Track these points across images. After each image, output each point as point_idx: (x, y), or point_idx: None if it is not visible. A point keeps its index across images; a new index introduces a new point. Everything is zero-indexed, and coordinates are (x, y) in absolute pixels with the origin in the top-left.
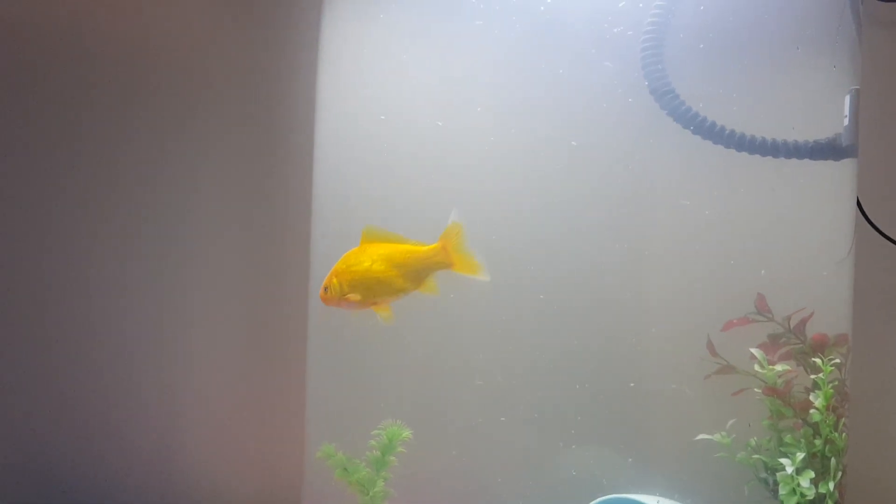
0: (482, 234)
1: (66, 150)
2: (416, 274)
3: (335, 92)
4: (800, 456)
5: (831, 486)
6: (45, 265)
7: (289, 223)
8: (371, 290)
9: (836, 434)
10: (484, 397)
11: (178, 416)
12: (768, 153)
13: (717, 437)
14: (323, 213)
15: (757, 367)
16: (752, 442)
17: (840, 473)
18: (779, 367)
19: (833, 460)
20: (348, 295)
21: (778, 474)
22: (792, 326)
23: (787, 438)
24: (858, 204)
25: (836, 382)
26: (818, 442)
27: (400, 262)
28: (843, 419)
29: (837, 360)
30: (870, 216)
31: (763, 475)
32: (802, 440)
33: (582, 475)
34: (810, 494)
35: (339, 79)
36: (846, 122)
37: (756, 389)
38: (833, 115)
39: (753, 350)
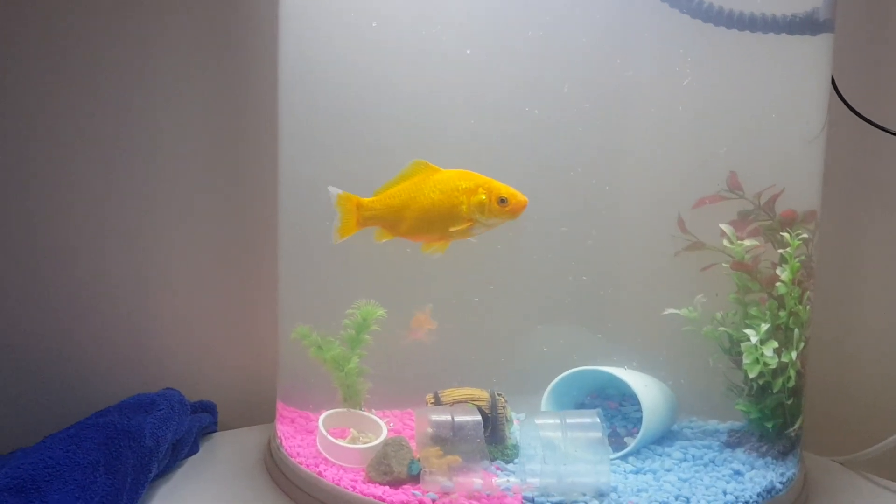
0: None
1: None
2: None
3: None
4: (764, 327)
5: (794, 355)
6: (28, 155)
7: (258, 120)
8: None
9: (801, 306)
10: (457, 276)
11: (149, 297)
12: (745, 27)
13: (684, 311)
14: (291, 111)
15: (726, 243)
16: (718, 316)
17: (803, 344)
18: (747, 243)
19: (797, 331)
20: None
21: (742, 345)
22: (762, 203)
23: (753, 311)
24: (833, 83)
25: (803, 257)
26: (783, 314)
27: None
28: (808, 292)
29: (805, 236)
30: (843, 94)
31: (727, 346)
32: (768, 312)
33: (553, 351)
34: (773, 363)
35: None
36: None
37: (724, 265)
38: None
39: (723, 226)
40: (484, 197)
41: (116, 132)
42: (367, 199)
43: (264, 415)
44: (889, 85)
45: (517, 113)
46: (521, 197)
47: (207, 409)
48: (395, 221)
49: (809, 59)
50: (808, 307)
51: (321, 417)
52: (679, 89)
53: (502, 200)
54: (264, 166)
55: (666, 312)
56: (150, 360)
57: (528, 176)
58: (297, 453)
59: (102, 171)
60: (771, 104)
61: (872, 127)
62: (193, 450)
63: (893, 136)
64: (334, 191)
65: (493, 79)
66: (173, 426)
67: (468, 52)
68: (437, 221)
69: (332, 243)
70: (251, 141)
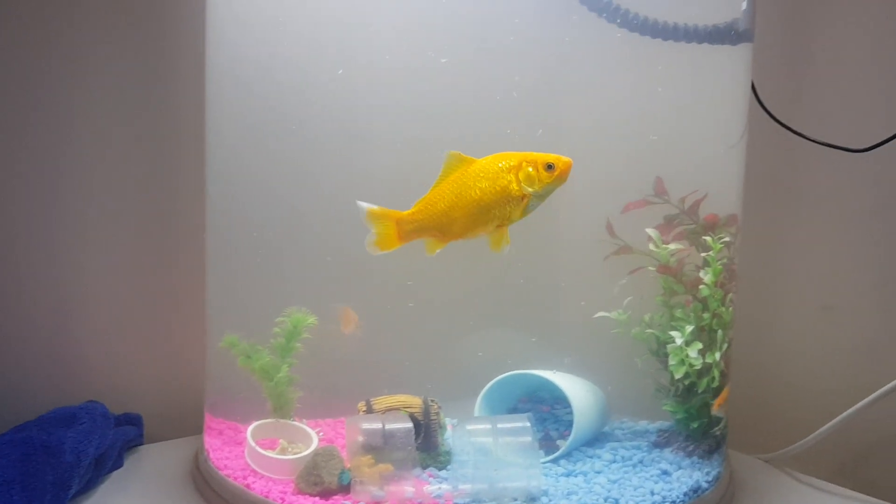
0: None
1: None
2: None
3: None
4: (689, 329)
5: (717, 356)
6: None
7: (182, 123)
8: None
9: (724, 308)
10: (390, 282)
11: (69, 305)
12: (668, 37)
13: (614, 314)
14: (218, 111)
15: (652, 247)
16: (646, 318)
17: (726, 345)
18: (672, 247)
19: (720, 332)
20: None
21: (668, 346)
22: (686, 208)
23: (678, 313)
24: (753, 89)
25: (725, 260)
26: (706, 316)
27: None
28: (731, 294)
29: (727, 239)
30: (762, 100)
31: (655, 348)
32: (692, 314)
33: (488, 355)
34: (698, 364)
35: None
36: (744, 5)
37: (651, 268)
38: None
39: (649, 230)
40: (531, 169)
41: (31, 137)
42: (406, 213)
43: (192, 426)
44: (807, 92)
45: (445, 118)
46: (565, 158)
47: (133, 421)
48: (445, 225)
49: (730, 68)
50: (730, 309)
51: (250, 428)
52: (605, 97)
53: (549, 167)
54: (190, 170)
55: (597, 315)
56: (71, 372)
57: None
58: (225, 465)
59: (15, 176)
60: (694, 111)
61: (791, 133)
62: (118, 464)
63: (811, 143)
64: (364, 206)
65: (421, 87)
66: (96, 440)
67: (390, 59)
68: (493, 209)
69: (372, 254)
70: (175, 145)
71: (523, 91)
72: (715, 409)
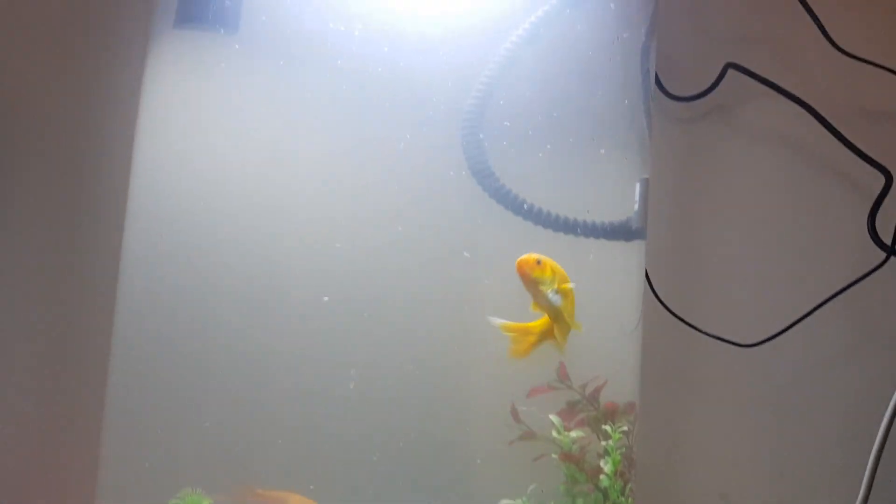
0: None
1: None
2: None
3: (154, 143)
4: None
5: None
6: None
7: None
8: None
9: (623, 499)
10: (289, 462)
11: None
12: (569, 231)
13: (518, 502)
14: (133, 261)
15: (555, 434)
16: None
17: None
18: (573, 434)
19: None
20: (558, 288)
21: None
22: (587, 394)
23: (580, 502)
24: (647, 280)
25: (624, 449)
26: None
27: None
28: (630, 484)
29: (625, 428)
30: (657, 291)
31: None
32: None
33: None
34: None
35: (158, 129)
36: (636, 206)
37: (554, 455)
38: (625, 200)
39: (552, 417)
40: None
41: None
42: (534, 324)
43: None
44: (700, 286)
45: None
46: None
47: None
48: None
49: (624, 261)
50: (630, 499)
51: None
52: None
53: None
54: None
55: (501, 503)
56: None
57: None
58: None
59: None
60: (592, 298)
61: (685, 324)
62: None
63: (703, 335)
64: (496, 321)
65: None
66: None
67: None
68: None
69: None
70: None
71: (433, 270)
72: None
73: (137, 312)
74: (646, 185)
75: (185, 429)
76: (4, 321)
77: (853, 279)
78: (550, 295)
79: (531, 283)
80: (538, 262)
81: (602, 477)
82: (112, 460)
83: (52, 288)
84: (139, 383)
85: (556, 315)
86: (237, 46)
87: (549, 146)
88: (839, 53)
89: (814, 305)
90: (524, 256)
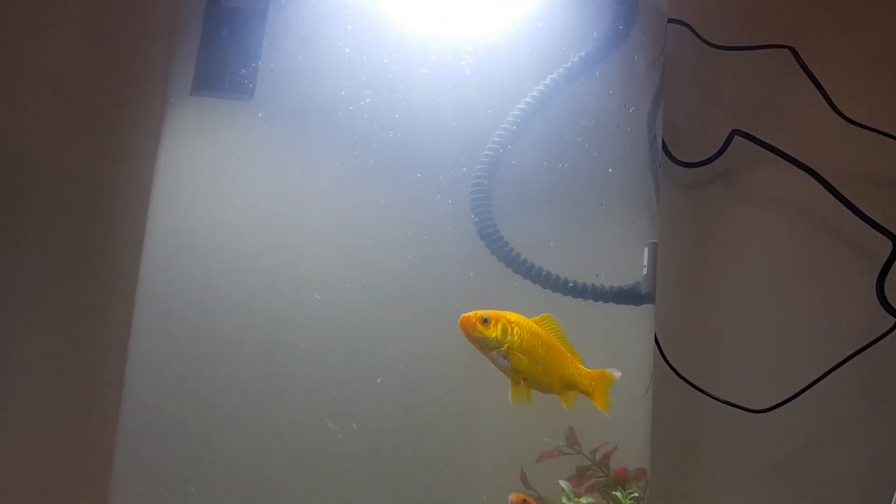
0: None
1: None
2: (563, 380)
3: (168, 207)
4: None
5: None
6: None
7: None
8: (538, 360)
9: None
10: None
11: None
12: (578, 295)
13: None
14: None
15: (564, 500)
16: None
17: None
18: (584, 500)
19: None
20: (514, 349)
21: None
22: (597, 459)
23: None
24: (657, 345)
25: None
26: None
27: (561, 359)
28: None
29: (636, 494)
30: (667, 356)
31: None
32: None
33: None
34: None
35: (173, 193)
36: (645, 271)
37: None
38: (634, 264)
39: (561, 482)
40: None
41: None
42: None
43: None
44: (710, 351)
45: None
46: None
47: None
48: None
49: (634, 326)
50: None
51: None
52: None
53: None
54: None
55: None
56: None
57: None
58: None
59: None
60: (602, 362)
61: (695, 389)
62: None
63: (713, 400)
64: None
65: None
66: None
67: None
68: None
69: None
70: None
71: (441, 331)
72: None
73: (149, 375)
74: (654, 249)
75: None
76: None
77: (863, 344)
78: (495, 356)
79: (474, 342)
80: (484, 321)
81: None
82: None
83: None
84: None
85: (513, 378)
86: (253, 112)
87: (557, 211)
88: (844, 121)
89: (824, 371)
90: (468, 313)
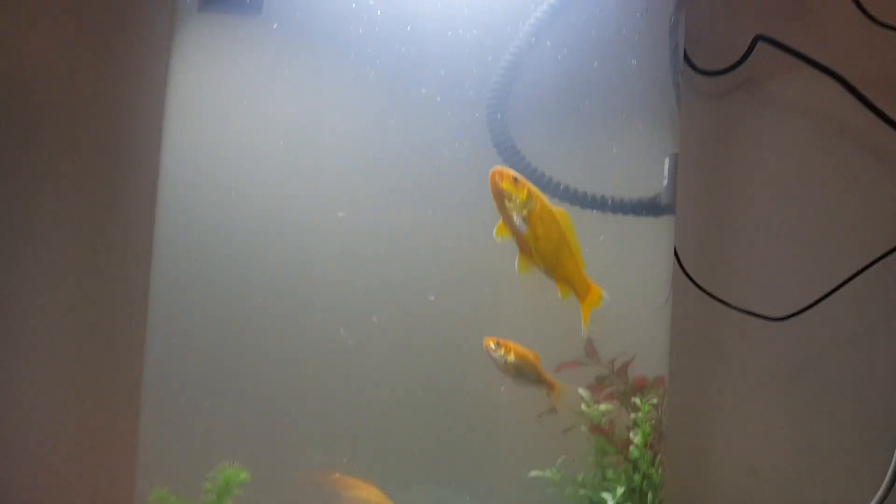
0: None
1: None
2: (564, 273)
3: (182, 128)
4: (620, 490)
5: None
6: None
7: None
8: (551, 240)
9: (653, 469)
10: (325, 438)
11: None
12: (597, 207)
13: (548, 473)
14: (164, 255)
15: (584, 408)
16: (580, 478)
17: None
18: (603, 407)
19: (650, 494)
20: (534, 217)
21: None
22: (616, 369)
23: (610, 474)
24: (676, 256)
25: (654, 421)
26: (637, 477)
27: (568, 252)
28: (660, 456)
29: (655, 401)
30: (685, 267)
31: None
32: (623, 475)
33: None
34: None
35: (185, 114)
36: (665, 182)
37: (583, 428)
38: (654, 175)
39: (581, 390)
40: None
41: None
42: None
43: None
44: (729, 261)
45: None
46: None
47: None
48: None
49: (654, 237)
50: (660, 470)
51: None
52: None
53: None
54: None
55: (532, 475)
56: None
57: None
58: None
59: None
60: (621, 275)
61: (713, 299)
62: None
63: (732, 309)
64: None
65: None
66: None
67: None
68: None
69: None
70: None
71: (457, 249)
72: None
73: (170, 298)
74: (675, 160)
75: (222, 408)
76: (41, 311)
77: (885, 251)
78: (515, 217)
79: (498, 195)
80: (515, 179)
81: (632, 448)
82: (151, 442)
83: (85, 278)
84: (175, 366)
85: (520, 242)
86: (260, 28)
87: (576, 123)
88: (872, 23)
89: (845, 278)
90: (502, 168)
